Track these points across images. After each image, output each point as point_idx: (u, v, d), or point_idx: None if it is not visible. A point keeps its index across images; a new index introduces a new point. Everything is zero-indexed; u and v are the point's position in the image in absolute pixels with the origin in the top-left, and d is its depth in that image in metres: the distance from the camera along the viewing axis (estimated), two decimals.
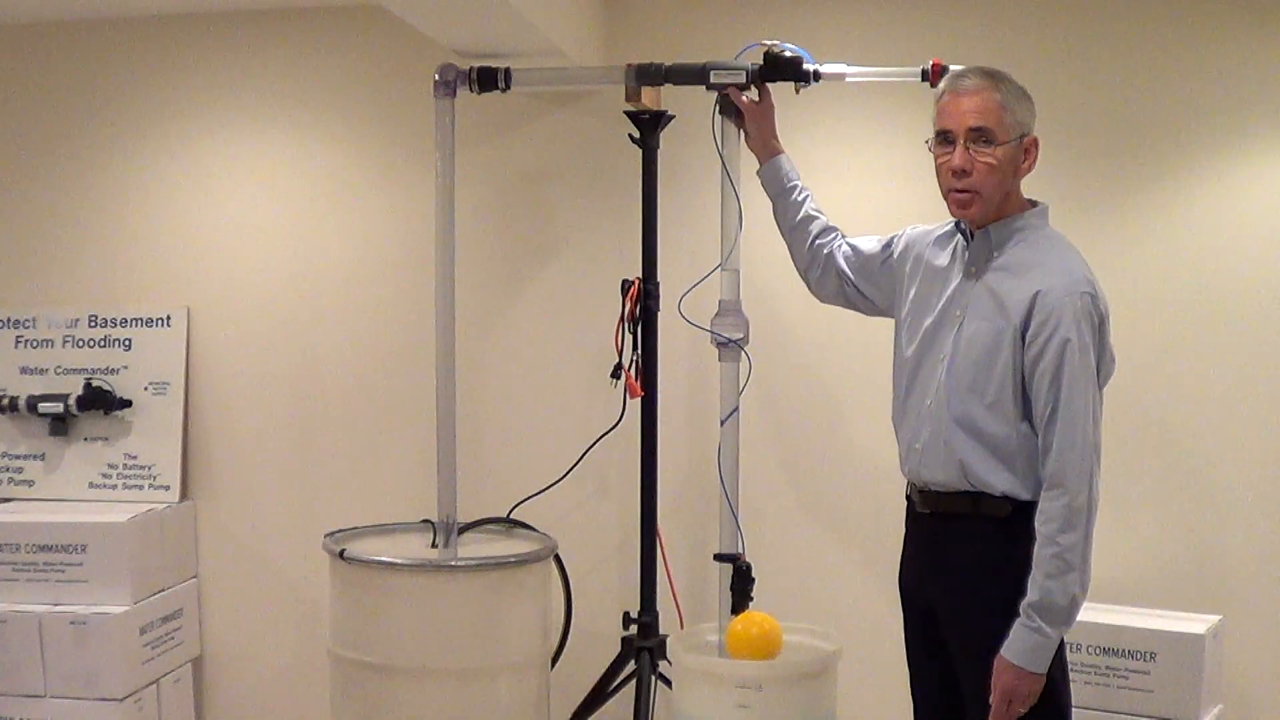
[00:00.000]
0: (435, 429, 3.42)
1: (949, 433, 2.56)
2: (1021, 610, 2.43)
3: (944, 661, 2.66)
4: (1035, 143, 2.61)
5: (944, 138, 2.59)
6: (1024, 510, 2.50)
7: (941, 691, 2.70)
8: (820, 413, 3.80)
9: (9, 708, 3.79)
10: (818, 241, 3.04)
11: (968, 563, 2.58)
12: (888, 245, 2.93)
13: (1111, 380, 2.59)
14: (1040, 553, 2.42)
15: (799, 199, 3.07)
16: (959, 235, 2.71)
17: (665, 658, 3.39)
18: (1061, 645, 2.53)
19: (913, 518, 2.73)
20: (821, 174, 3.74)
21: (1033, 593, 2.42)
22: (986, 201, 2.57)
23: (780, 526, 3.79)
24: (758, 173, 3.13)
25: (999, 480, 2.52)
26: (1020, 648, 2.43)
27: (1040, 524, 2.44)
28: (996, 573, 2.52)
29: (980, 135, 2.54)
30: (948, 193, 2.61)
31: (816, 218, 3.06)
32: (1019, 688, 2.44)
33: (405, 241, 3.99)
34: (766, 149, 3.12)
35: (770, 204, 3.11)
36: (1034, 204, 2.65)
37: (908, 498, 2.74)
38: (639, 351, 3.48)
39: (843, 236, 3.05)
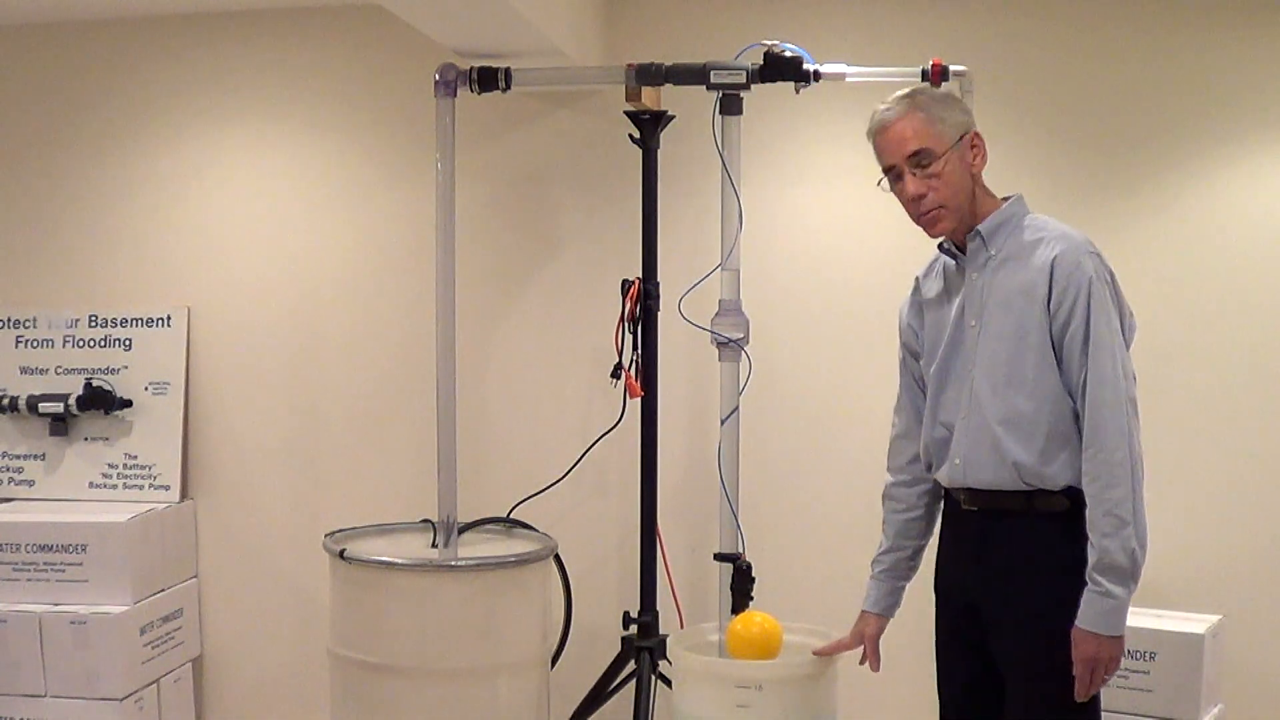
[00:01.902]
0: (435, 429, 3.42)
1: (996, 437, 2.53)
2: (1087, 577, 2.41)
3: (979, 661, 2.64)
4: (978, 136, 2.61)
5: (891, 173, 2.62)
6: (1080, 507, 2.47)
7: (970, 692, 2.68)
8: (820, 413, 3.80)
9: (9, 708, 3.79)
10: (918, 486, 2.81)
11: (1019, 563, 2.54)
12: (908, 359, 2.82)
13: None
14: (1092, 514, 2.41)
15: (911, 548, 2.83)
16: (942, 256, 2.71)
17: (665, 657, 3.39)
18: None
19: (955, 515, 2.69)
20: (821, 174, 3.75)
21: (1092, 555, 2.40)
22: (955, 210, 2.58)
23: (780, 526, 3.79)
24: (887, 616, 2.86)
25: (1058, 470, 2.49)
26: (1092, 613, 2.41)
27: (1086, 485, 2.43)
28: (1049, 573, 2.49)
29: (920, 157, 2.57)
30: (917, 220, 2.62)
31: (914, 516, 2.82)
32: (1100, 654, 2.42)
33: (405, 241, 3.99)
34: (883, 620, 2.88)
35: None
36: (1006, 198, 2.66)
37: (947, 494, 2.71)
38: (639, 351, 3.48)
39: (904, 442, 2.83)
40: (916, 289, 2.79)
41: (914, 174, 2.57)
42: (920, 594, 2.84)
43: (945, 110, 2.59)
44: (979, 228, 2.59)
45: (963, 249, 2.63)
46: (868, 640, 2.84)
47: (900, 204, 2.64)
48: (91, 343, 4.17)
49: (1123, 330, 2.50)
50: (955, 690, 2.74)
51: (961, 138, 2.57)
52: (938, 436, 2.68)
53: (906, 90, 2.64)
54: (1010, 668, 2.57)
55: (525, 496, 3.62)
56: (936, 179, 2.56)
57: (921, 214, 2.59)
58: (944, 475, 2.67)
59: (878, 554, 2.85)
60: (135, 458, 4.11)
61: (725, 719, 2.87)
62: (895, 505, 2.83)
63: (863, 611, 2.85)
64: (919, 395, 2.77)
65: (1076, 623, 2.43)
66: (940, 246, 2.70)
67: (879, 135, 2.62)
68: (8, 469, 4.17)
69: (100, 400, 4.07)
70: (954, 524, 2.72)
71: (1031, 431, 2.50)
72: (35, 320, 4.21)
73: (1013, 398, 2.52)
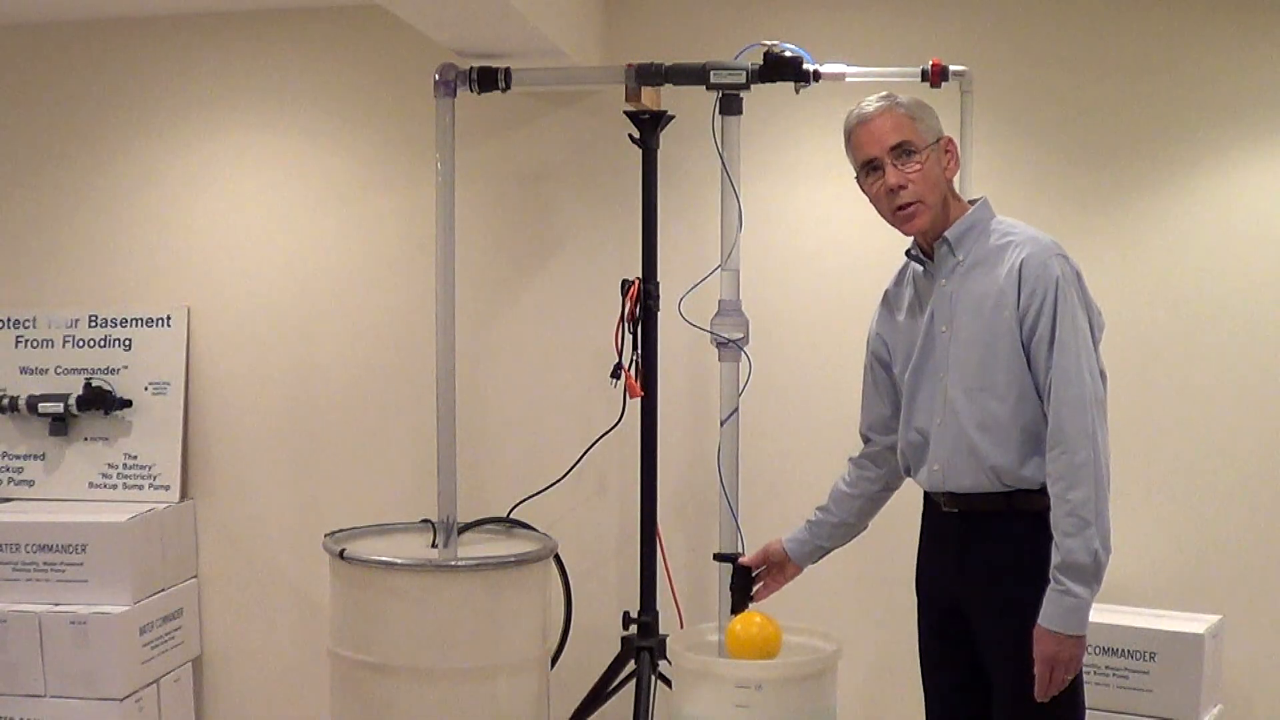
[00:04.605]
0: (435, 429, 3.42)
1: (972, 443, 2.54)
2: (1051, 576, 2.42)
3: (965, 660, 2.64)
4: (951, 142, 2.66)
5: (870, 166, 2.63)
6: None
7: (956, 691, 2.69)
8: (820, 413, 3.80)
9: (9, 708, 3.79)
10: (873, 475, 2.89)
11: (1002, 562, 2.55)
12: (875, 366, 2.85)
13: (1110, 381, 2.58)
14: (1055, 514, 2.42)
15: (837, 519, 2.93)
16: (911, 264, 2.73)
17: (665, 657, 3.39)
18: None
19: (935, 516, 2.70)
20: (821, 174, 3.75)
21: (1056, 555, 2.41)
22: (931, 208, 2.60)
23: (780, 527, 3.78)
24: (795, 561, 2.98)
25: (1035, 469, 2.50)
26: (1054, 612, 2.42)
27: (1050, 485, 2.44)
28: (1031, 571, 2.48)
29: (902, 149, 2.59)
30: (892, 215, 2.63)
31: (852, 494, 2.91)
32: (1060, 653, 2.42)
33: (405, 241, 3.99)
34: (790, 561, 2.99)
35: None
36: (973, 201, 2.68)
37: (926, 497, 2.72)
38: (639, 351, 3.48)
39: (865, 441, 2.90)
40: (885, 300, 2.81)
41: (895, 165, 2.59)
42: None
43: (924, 114, 2.63)
44: (946, 234, 2.61)
45: (930, 255, 2.66)
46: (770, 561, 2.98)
47: (873, 204, 2.65)
48: (91, 343, 4.17)
49: (1092, 330, 2.51)
50: (943, 691, 2.75)
51: (938, 140, 2.62)
52: (913, 441, 2.70)
53: (885, 93, 2.66)
54: (997, 666, 2.58)
55: (525, 496, 3.62)
56: (917, 172, 2.58)
57: (899, 207, 2.60)
58: (923, 480, 2.69)
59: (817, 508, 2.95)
60: (135, 458, 4.10)
61: (725, 719, 2.88)
62: (843, 478, 2.93)
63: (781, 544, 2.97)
64: (880, 401, 2.81)
65: (1038, 620, 2.44)
66: (908, 253, 2.73)
67: (859, 127, 2.63)
68: (8, 469, 4.17)
69: (100, 400, 4.07)
70: (933, 526, 2.73)
71: (1007, 434, 2.52)
72: (35, 320, 4.21)
73: (986, 402, 2.54)
